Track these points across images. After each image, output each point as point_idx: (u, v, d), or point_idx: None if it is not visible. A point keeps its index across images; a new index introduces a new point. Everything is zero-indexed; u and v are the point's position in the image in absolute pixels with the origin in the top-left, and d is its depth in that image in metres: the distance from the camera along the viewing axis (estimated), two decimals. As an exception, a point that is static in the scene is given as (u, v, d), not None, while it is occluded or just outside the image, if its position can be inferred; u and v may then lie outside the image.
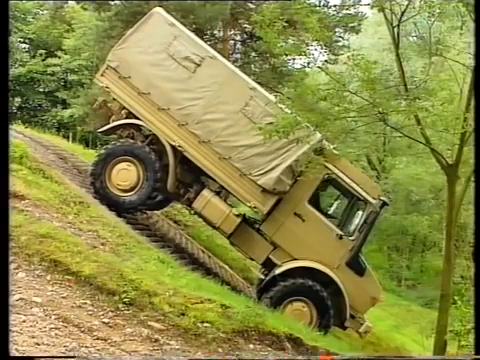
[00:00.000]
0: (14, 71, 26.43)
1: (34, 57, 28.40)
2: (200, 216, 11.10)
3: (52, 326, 5.48)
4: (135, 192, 10.47)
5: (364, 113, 9.98)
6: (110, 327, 5.95)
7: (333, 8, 20.65)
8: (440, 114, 9.81)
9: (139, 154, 10.46)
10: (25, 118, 25.83)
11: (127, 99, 10.69)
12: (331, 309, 10.05)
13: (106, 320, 6.02)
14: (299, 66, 22.24)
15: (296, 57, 18.09)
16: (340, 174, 10.41)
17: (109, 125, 11.05)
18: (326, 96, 9.70)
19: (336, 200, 12.30)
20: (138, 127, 10.94)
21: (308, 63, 20.41)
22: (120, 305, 6.31)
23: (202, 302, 6.93)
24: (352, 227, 10.58)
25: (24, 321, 5.38)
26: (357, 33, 21.66)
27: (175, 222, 14.10)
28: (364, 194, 10.38)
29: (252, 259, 11.43)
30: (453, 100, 12.03)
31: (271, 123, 9.85)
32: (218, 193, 10.73)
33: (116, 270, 6.72)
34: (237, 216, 10.50)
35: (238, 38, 23.45)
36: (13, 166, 8.64)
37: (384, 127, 13.10)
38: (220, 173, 10.45)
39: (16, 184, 8.10)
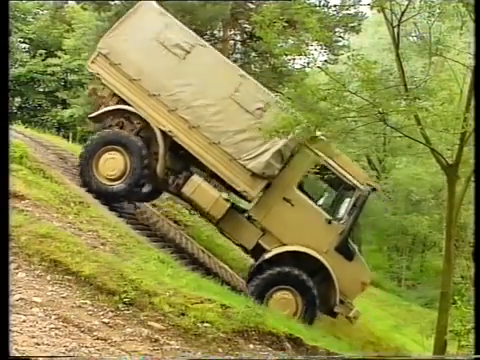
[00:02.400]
0: (14, 71, 26.41)
1: (34, 57, 28.37)
2: (189, 202, 11.12)
3: (52, 326, 5.48)
4: (123, 181, 10.51)
5: (364, 113, 9.99)
6: (110, 327, 5.95)
7: (333, 8, 20.63)
8: (440, 114, 9.81)
9: (125, 142, 10.51)
10: (25, 118, 25.81)
11: (118, 85, 10.80)
12: (317, 299, 10.06)
13: (106, 320, 6.03)
14: (299, 66, 22.23)
15: (296, 57, 18.07)
16: (329, 160, 10.50)
17: (99, 111, 11.12)
18: (326, 96, 9.72)
19: (325, 191, 12.33)
20: (128, 116, 10.95)
21: (308, 63, 20.43)
22: (120, 305, 6.32)
23: (202, 302, 6.93)
24: (341, 212, 10.70)
25: (24, 321, 5.38)
26: (357, 33, 21.64)
27: (175, 222, 14.09)
28: (352, 179, 10.48)
29: (241, 245, 11.43)
30: (453, 100, 12.03)
31: (260, 108, 10.15)
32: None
33: (116, 270, 6.73)
34: (226, 201, 10.56)
35: (238, 38, 23.43)
36: (13, 166, 8.64)
37: (384, 127, 13.10)
38: (210, 158, 10.53)
39: (16, 184, 8.11)
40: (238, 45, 23.77)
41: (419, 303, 26.53)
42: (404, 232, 31.33)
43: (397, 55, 10.89)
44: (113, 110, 10.89)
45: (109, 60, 10.80)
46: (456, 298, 10.64)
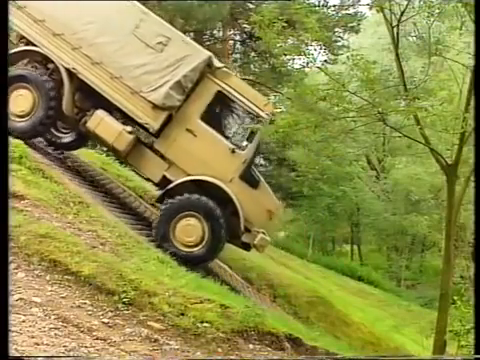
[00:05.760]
0: (13, 71, 26.38)
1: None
2: (95, 137, 11.21)
3: (51, 326, 5.48)
4: (29, 117, 10.62)
5: (363, 113, 10.00)
6: (109, 327, 5.95)
7: (332, 8, 20.72)
8: (439, 114, 9.83)
9: (33, 79, 10.64)
10: (24, 118, 25.78)
11: (24, 27, 10.95)
12: (221, 219, 10.13)
13: (105, 320, 6.02)
14: (298, 66, 22.24)
15: (295, 57, 18.07)
16: (230, 90, 10.64)
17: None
18: (325, 96, 9.73)
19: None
20: (40, 60, 11.06)
21: (307, 63, 20.35)
22: (119, 305, 6.31)
23: (201, 302, 6.93)
24: (244, 141, 10.87)
25: (23, 321, 5.37)
26: (356, 33, 21.75)
27: (174, 222, 14.08)
28: (254, 108, 10.64)
29: (148, 179, 11.51)
30: (452, 100, 12.03)
31: (160, 42, 10.47)
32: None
33: (115, 270, 6.73)
34: (130, 133, 10.65)
35: (238, 38, 23.49)
36: (13, 166, 8.63)
37: (383, 127, 13.13)
38: (112, 92, 10.66)
39: (15, 184, 8.10)
40: (237, 45, 23.83)
41: (418, 303, 26.52)
42: (403, 232, 31.32)
43: (396, 55, 10.89)
44: (26, 52, 11.02)
45: (16, 4, 10.92)
46: (455, 298, 10.64)
